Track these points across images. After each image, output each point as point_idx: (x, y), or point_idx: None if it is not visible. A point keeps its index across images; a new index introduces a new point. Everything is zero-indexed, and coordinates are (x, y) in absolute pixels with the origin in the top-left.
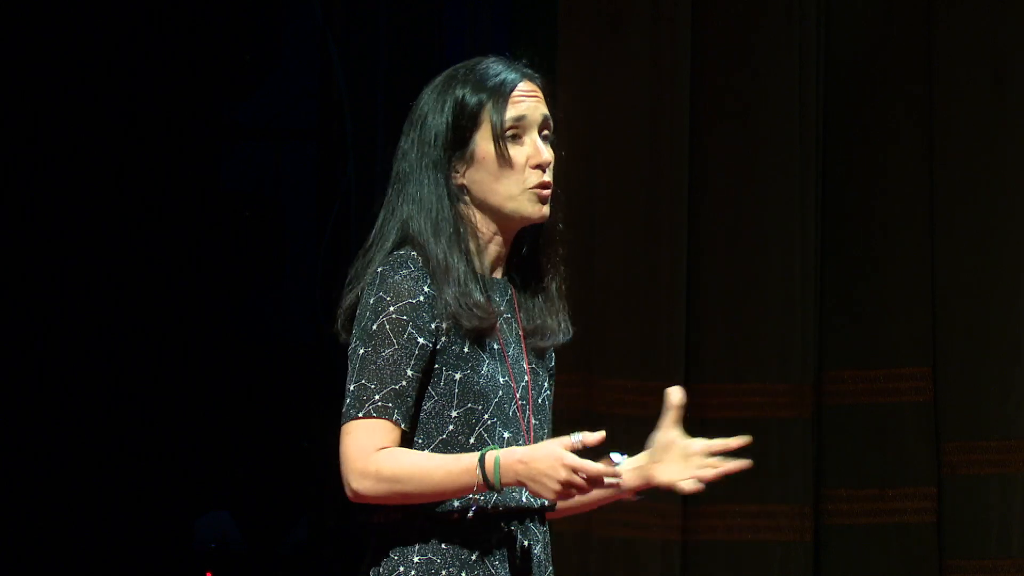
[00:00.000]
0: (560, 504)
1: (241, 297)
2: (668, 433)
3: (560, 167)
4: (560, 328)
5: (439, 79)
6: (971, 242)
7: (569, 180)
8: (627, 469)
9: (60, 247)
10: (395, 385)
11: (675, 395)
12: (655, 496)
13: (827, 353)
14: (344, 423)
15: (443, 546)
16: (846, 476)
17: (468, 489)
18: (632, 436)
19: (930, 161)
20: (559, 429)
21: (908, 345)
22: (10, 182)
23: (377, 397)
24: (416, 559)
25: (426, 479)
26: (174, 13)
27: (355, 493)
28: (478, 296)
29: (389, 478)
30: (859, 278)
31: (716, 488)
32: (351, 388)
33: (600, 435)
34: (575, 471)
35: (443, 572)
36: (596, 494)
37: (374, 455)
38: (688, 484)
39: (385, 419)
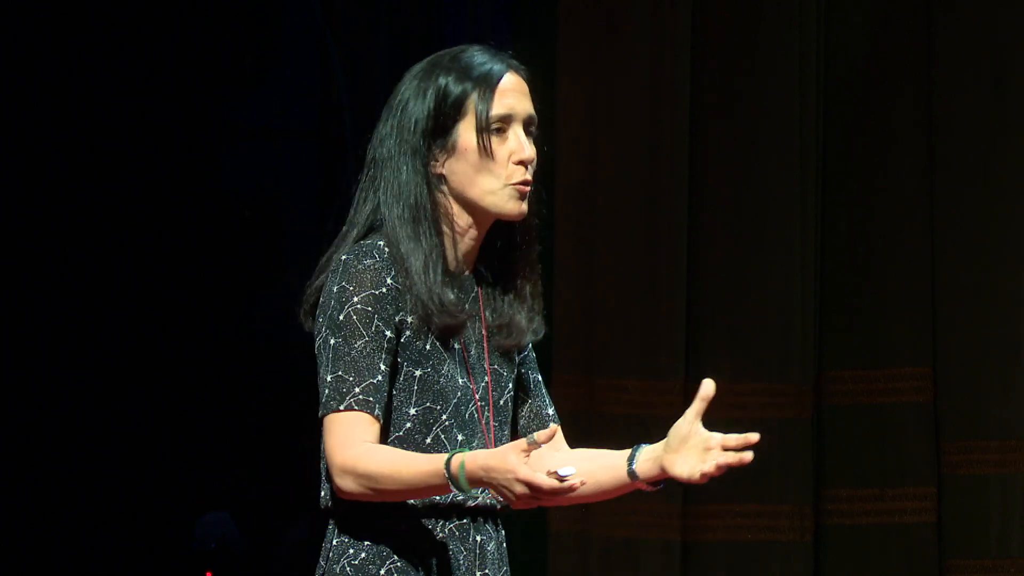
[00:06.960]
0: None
1: (240, 297)
2: (689, 425)
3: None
4: (531, 327)
5: (421, 66)
6: (971, 242)
7: (569, 179)
8: (643, 459)
9: (60, 247)
10: (372, 379)
11: (707, 388)
12: (655, 498)
13: (827, 353)
14: (325, 415)
15: (398, 532)
16: (846, 476)
17: (438, 490)
18: (632, 436)
19: (930, 161)
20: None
21: (908, 345)
22: (10, 182)
23: (357, 390)
24: (368, 543)
25: (398, 478)
26: (174, 13)
27: (339, 490)
28: (450, 294)
29: (364, 475)
30: (859, 278)
31: (716, 488)
32: (328, 379)
33: (552, 429)
34: (529, 486)
35: (395, 557)
36: (607, 483)
37: (354, 451)
38: (699, 475)
39: (367, 412)
